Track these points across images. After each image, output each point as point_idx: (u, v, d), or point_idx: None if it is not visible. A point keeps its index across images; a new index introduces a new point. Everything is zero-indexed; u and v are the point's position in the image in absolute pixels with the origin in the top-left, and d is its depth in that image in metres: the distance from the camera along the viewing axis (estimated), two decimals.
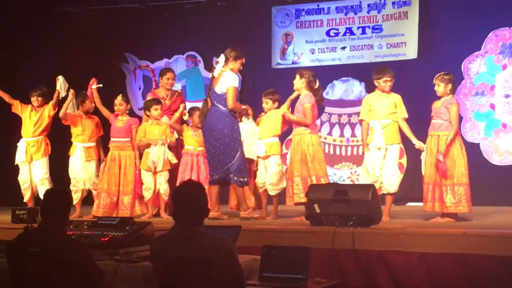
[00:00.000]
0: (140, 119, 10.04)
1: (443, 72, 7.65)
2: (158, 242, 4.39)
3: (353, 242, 5.87)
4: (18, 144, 8.96)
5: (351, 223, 6.15)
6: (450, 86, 7.54)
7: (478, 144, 9.90)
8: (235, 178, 7.68)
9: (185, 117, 8.75)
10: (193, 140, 8.54)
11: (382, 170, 7.57)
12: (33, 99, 8.96)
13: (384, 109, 7.69)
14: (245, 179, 7.78)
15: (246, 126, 8.06)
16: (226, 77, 7.78)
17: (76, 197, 8.55)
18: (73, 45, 11.14)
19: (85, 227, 5.61)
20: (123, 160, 8.49)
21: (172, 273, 4.23)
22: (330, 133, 10.81)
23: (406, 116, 7.74)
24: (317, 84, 8.09)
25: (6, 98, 9.11)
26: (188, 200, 4.31)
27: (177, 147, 8.66)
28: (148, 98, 8.93)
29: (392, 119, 7.68)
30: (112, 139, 8.59)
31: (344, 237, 5.96)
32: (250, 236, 5.84)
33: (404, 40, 10.37)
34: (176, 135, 8.68)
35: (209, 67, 11.28)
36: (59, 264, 4.56)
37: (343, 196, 6.32)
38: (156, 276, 4.37)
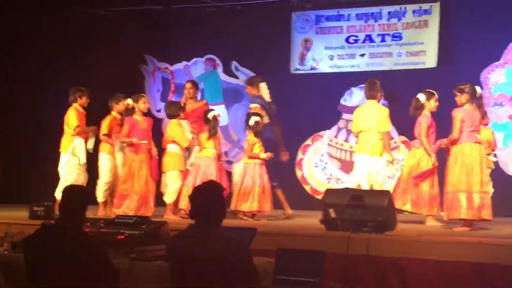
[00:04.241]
0: (159, 120, 10.14)
1: (461, 83, 7.67)
2: (174, 241, 4.42)
3: (368, 248, 5.85)
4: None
5: (366, 229, 6.14)
6: (466, 96, 7.55)
7: (495, 155, 9.86)
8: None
9: None
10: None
11: None
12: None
13: None
14: None
15: None
16: None
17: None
18: (95, 46, 11.22)
19: (102, 224, 5.65)
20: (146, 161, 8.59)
21: (187, 272, 4.23)
22: (346, 140, 10.80)
23: None
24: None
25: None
26: (206, 200, 4.33)
27: None
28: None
29: None
30: (142, 141, 8.59)
31: (359, 243, 5.94)
32: (265, 239, 5.84)
33: (424, 49, 10.37)
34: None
35: (228, 71, 11.36)
36: (75, 261, 4.56)
37: (359, 202, 6.32)
38: (171, 275, 4.38)
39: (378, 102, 8.27)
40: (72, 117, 8.76)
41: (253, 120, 8.50)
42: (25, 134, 11.23)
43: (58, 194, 8.39)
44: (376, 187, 7.99)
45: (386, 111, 8.15)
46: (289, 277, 4.95)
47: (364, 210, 6.26)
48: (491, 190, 7.85)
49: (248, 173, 8.37)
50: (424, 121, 7.84)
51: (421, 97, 8.06)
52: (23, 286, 4.87)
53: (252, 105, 9.08)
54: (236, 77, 11.40)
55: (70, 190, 5.01)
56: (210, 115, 8.64)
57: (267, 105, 9.11)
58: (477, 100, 7.68)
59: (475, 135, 7.49)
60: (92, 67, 11.08)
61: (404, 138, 10.48)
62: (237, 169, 8.75)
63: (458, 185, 7.34)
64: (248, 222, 7.86)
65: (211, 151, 8.58)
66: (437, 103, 8.08)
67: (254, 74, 11.24)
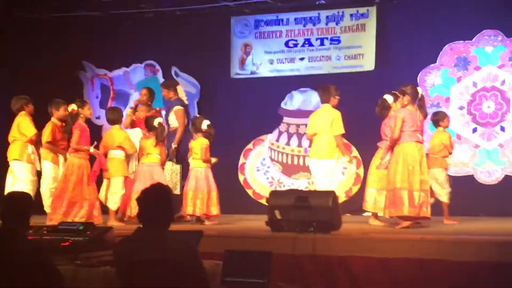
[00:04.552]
0: (98, 128, 10.01)
1: (403, 84, 7.84)
2: (122, 245, 4.35)
3: (314, 247, 5.89)
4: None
5: (312, 229, 6.19)
6: (407, 97, 7.71)
7: None
8: None
9: None
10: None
11: None
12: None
13: None
14: None
15: None
16: None
17: None
18: (31, 52, 11.04)
19: (45, 232, 5.55)
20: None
21: (136, 276, 4.18)
22: (288, 143, 10.88)
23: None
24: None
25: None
26: (154, 202, 4.29)
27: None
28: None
29: None
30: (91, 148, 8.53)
31: (305, 243, 5.99)
32: (211, 241, 5.82)
33: (362, 52, 10.53)
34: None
35: (168, 76, 11.30)
36: (18, 268, 4.47)
37: (304, 203, 6.37)
38: (119, 279, 4.33)
39: (333, 106, 8.31)
40: (28, 125, 8.58)
41: (205, 124, 8.48)
42: None
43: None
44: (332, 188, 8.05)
45: (338, 114, 8.22)
46: (237, 278, 4.94)
47: (309, 210, 6.31)
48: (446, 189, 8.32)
49: (204, 177, 8.34)
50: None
51: (389, 98, 8.21)
52: None
53: (176, 108, 9.06)
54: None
55: (13, 196, 4.90)
56: (155, 122, 8.57)
57: (187, 107, 9.22)
58: (419, 101, 7.82)
59: (417, 135, 7.63)
60: (29, 73, 10.90)
61: (344, 141, 10.58)
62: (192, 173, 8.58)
63: (400, 183, 7.47)
64: (193, 226, 7.83)
65: (157, 157, 8.52)
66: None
67: (194, 80, 11.27)
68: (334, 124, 8.16)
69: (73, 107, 8.53)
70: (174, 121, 9.12)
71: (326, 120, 8.17)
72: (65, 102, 8.70)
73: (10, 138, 8.69)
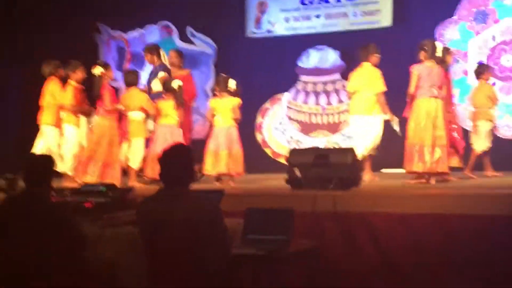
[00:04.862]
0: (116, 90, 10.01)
1: (423, 40, 7.82)
2: (145, 205, 4.40)
3: (334, 204, 5.91)
4: None
5: (332, 186, 6.21)
6: (423, 53, 7.71)
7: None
8: None
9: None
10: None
11: None
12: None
13: None
14: None
15: None
16: None
17: None
18: (47, 16, 11.03)
19: (68, 194, 5.62)
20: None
21: (159, 235, 4.23)
22: (305, 102, 10.85)
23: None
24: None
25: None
26: (175, 162, 4.32)
27: None
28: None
29: None
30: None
31: (325, 200, 5.99)
32: (232, 200, 5.85)
33: (378, 8, 10.45)
34: None
35: (184, 37, 11.28)
36: (43, 229, 4.54)
37: (324, 160, 6.38)
38: (142, 238, 4.38)
39: (374, 64, 8.26)
40: (61, 92, 8.59)
41: (232, 83, 8.42)
42: None
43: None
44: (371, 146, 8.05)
45: (378, 72, 8.17)
46: (258, 236, 4.97)
47: (328, 168, 6.32)
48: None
49: (233, 136, 8.35)
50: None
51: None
52: None
53: (160, 74, 9.00)
54: (193, 43, 11.33)
55: (34, 159, 4.95)
56: (174, 85, 8.54)
57: (170, 73, 9.11)
58: (438, 56, 7.76)
59: (432, 90, 7.60)
60: (45, 37, 10.90)
61: None
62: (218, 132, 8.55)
63: (411, 138, 7.52)
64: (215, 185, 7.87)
65: (176, 119, 8.52)
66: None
67: (210, 40, 11.24)
68: (375, 82, 8.12)
69: (99, 69, 8.47)
70: (157, 86, 9.05)
71: (366, 78, 8.15)
72: (81, 63, 8.70)
73: (42, 103, 8.70)
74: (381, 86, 8.14)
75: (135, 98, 8.67)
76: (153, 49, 9.30)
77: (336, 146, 10.56)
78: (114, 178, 8.22)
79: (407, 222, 5.76)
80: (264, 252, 4.72)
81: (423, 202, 5.94)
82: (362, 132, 8.07)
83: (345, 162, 6.32)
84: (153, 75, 9.15)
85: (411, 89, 7.63)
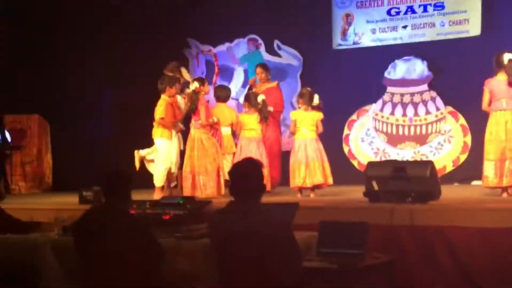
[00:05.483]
0: None
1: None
2: (215, 217, 4.50)
3: (411, 218, 5.85)
4: None
5: (410, 199, 6.15)
6: (494, 65, 7.62)
7: None
8: None
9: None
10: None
11: None
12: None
13: None
14: None
15: None
16: None
17: None
18: (135, 31, 11.38)
19: (148, 206, 5.77)
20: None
21: (229, 247, 4.31)
22: (392, 113, 10.75)
23: None
24: None
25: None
26: (245, 175, 4.40)
27: None
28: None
29: None
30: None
31: (402, 214, 5.95)
32: (307, 213, 5.88)
33: (467, 17, 10.24)
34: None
35: (271, 50, 11.39)
36: (121, 242, 4.66)
37: (402, 173, 6.33)
38: (214, 250, 4.48)
39: None
40: (160, 108, 8.71)
41: (317, 98, 8.47)
42: (74, 119, 11.47)
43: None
44: None
45: None
46: (333, 249, 4.98)
47: (407, 181, 6.27)
48: None
49: (317, 148, 8.38)
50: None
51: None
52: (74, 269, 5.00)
53: (187, 91, 8.96)
54: (279, 55, 11.43)
55: (112, 173, 5.11)
56: (259, 99, 8.66)
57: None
58: (505, 68, 7.57)
59: (501, 103, 7.45)
60: (136, 52, 11.25)
61: (450, 109, 10.41)
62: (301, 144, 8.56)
63: (486, 154, 7.43)
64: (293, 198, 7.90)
65: (259, 132, 8.66)
66: None
67: (296, 52, 11.31)
68: None
69: (195, 85, 8.59)
70: (181, 103, 9.09)
71: None
72: (178, 79, 8.94)
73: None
74: None
75: (226, 113, 8.89)
76: (173, 68, 9.35)
77: (424, 158, 10.44)
78: (220, 190, 8.31)
79: (487, 236, 5.66)
80: (338, 265, 4.73)
81: (503, 216, 5.79)
82: None
83: (424, 175, 6.24)
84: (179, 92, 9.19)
85: (483, 106, 7.68)
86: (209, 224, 4.54)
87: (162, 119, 8.66)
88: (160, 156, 8.79)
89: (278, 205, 5.46)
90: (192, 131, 8.57)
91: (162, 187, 8.79)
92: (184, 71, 9.52)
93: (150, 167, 8.87)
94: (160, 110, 8.66)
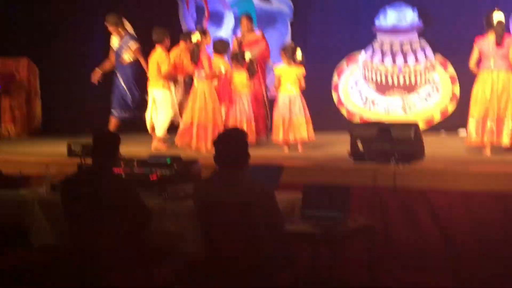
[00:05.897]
0: None
1: None
2: (200, 186, 4.58)
3: (394, 180, 5.94)
4: None
5: (393, 160, 6.23)
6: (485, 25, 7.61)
7: None
8: None
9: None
10: None
11: None
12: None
13: None
14: None
15: None
16: None
17: None
18: None
19: (135, 165, 5.80)
20: None
21: (213, 216, 4.40)
22: (382, 61, 10.74)
23: None
24: None
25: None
26: (231, 146, 4.45)
27: None
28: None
29: None
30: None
31: (385, 175, 6.03)
32: (291, 173, 5.95)
33: None
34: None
35: None
36: (109, 204, 4.73)
37: (386, 134, 6.39)
38: (199, 219, 4.56)
39: None
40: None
41: (299, 54, 8.45)
42: (65, 64, 11.41)
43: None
44: None
45: None
46: (316, 211, 5.09)
47: (391, 142, 6.34)
48: None
49: (300, 103, 8.42)
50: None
51: None
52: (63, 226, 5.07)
53: (131, 44, 9.10)
54: (269, 1, 11.32)
55: (100, 135, 5.14)
56: (246, 58, 8.70)
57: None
58: (493, 27, 7.56)
59: (489, 62, 7.51)
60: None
61: (440, 57, 10.41)
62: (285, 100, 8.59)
63: (471, 111, 7.61)
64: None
65: (248, 88, 8.77)
66: None
67: None
68: None
69: (197, 37, 8.55)
70: (129, 57, 9.16)
71: None
72: (167, 31, 8.91)
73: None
74: None
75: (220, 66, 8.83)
76: (116, 20, 9.21)
77: (412, 108, 10.50)
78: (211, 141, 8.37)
79: (469, 200, 5.74)
80: (320, 230, 4.84)
81: (485, 180, 5.88)
82: None
83: (408, 137, 6.31)
84: (124, 46, 9.16)
85: (470, 64, 7.73)
86: (194, 192, 4.60)
87: (167, 72, 8.74)
88: (163, 107, 8.86)
89: (263, 168, 5.52)
90: (195, 83, 8.63)
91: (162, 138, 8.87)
92: (126, 22, 9.28)
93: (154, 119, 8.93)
94: (165, 65, 8.72)
